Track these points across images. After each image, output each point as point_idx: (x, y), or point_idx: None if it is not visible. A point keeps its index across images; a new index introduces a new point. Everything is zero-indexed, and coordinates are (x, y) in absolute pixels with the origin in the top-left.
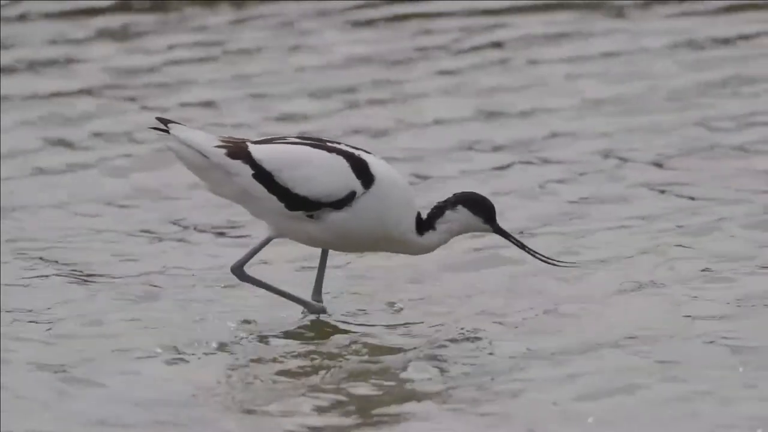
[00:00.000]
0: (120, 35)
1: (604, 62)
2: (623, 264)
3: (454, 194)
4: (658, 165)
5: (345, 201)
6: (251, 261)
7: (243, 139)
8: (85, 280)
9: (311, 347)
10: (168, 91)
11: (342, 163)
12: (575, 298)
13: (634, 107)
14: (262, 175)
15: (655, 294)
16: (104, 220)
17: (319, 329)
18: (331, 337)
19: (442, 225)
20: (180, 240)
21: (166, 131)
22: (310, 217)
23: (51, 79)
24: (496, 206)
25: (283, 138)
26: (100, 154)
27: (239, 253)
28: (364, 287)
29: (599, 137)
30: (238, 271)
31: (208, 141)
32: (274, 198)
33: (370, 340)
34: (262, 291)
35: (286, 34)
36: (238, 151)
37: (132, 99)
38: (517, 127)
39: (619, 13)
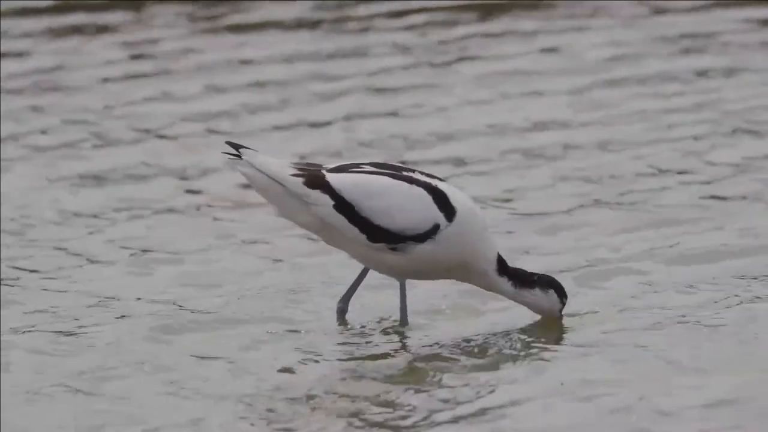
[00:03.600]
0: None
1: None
2: None
3: (549, 278)
4: None
5: (429, 234)
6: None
7: (317, 166)
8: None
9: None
10: None
11: (424, 195)
12: None
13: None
14: (343, 206)
15: None
16: None
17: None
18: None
19: (525, 292)
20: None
21: (238, 156)
22: (393, 249)
23: None
24: None
25: (357, 165)
26: None
27: None
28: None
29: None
30: (342, 305)
31: (283, 168)
32: (355, 229)
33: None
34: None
35: None
36: (315, 180)
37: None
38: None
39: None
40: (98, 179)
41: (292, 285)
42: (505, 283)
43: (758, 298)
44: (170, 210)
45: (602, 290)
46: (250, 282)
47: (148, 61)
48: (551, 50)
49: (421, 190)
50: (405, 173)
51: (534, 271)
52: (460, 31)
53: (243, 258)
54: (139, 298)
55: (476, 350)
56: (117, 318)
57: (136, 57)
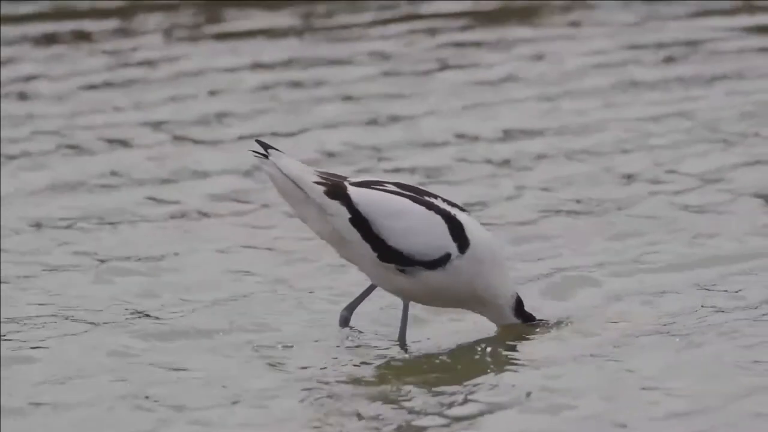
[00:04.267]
0: None
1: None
2: None
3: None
4: None
5: (439, 262)
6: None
7: (342, 177)
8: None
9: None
10: None
11: (440, 223)
12: None
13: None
14: (359, 221)
15: None
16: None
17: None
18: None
19: None
20: None
21: (265, 156)
22: (402, 271)
23: None
24: None
25: (381, 183)
26: None
27: None
28: None
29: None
30: (346, 313)
31: (307, 174)
32: (368, 246)
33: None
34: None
35: None
36: (336, 191)
37: None
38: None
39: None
40: (67, 188)
41: (263, 295)
42: (514, 320)
43: (721, 310)
44: (141, 219)
45: (569, 301)
46: (219, 292)
47: (127, 70)
48: (533, 59)
49: (438, 218)
50: (426, 198)
51: (544, 319)
52: (442, 39)
53: (212, 268)
54: (103, 309)
55: (443, 362)
56: (84, 329)
57: (115, 66)
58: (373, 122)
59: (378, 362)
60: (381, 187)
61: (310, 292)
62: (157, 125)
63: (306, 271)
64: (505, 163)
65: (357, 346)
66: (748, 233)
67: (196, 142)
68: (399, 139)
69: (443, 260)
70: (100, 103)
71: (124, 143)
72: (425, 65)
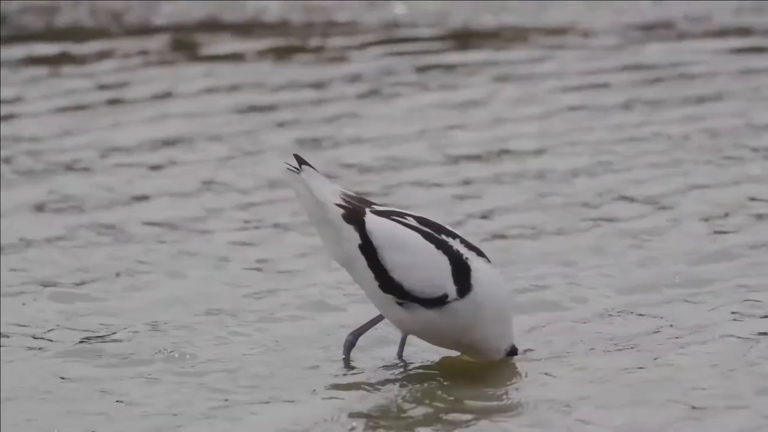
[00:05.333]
0: None
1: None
2: None
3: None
4: None
5: (436, 302)
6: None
7: (365, 201)
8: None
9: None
10: None
11: (444, 263)
12: None
13: None
14: (367, 248)
15: None
16: None
17: None
18: None
19: None
20: None
21: (297, 170)
22: (400, 304)
23: None
24: None
25: (403, 215)
26: None
27: None
28: None
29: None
30: (352, 338)
31: (331, 195)
32: (371, 274)
33: None
34: None
35: None
36: (354, 215)
37: None
38: None
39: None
40: (29, 208)
41: (206, 319)
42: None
43: (690, 328)
44: (98, 238)
45: (541, 315)
46: (165, 317)
47: (104, 92)
48: (512, 80)
49: (444, 258)
50: (443, 236)
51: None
52: (420, 61)
53: (168, 289)
54: (53, 329)
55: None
56: (29, 349)
57: (92, 89)
58: (340, 143)
59: (373, 380)
60: (400, 219)
61: (251, 311)
62: (123, 147)
63: (244, 294)
64: (452, 188)
65: (351, 369)
66: (692, 259)
67: (150, 167)
68: (364, 159)
69: (440, 300)
70: (54, 126)
71: (70, 168)
72: (396, 88)
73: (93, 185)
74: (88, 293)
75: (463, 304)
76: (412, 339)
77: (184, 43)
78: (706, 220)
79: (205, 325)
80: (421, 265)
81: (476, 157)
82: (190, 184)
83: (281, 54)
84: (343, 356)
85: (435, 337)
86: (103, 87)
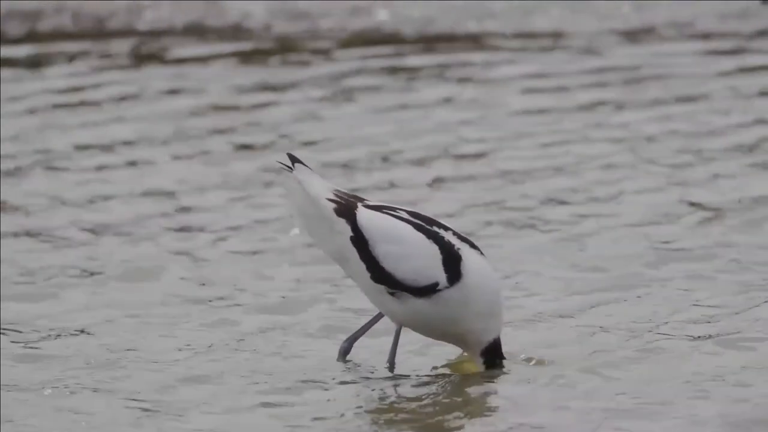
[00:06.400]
0: None
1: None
2: None
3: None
4: None
5: (425, 290)
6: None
7: (357, 197)
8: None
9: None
10: None
11: (434, 252)
12: None
13: None
14: (359, 241)
15: None
16: None
17: None
18: None
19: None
20: None
21: (290, 169)
22: (391, 294)
23: None
24: None
25: (395, 209)
26: None
27: None
28: None
29: None
30: (347, 344)
31: (323, 190)
32: (363, 266)
33: None
34: None
35: None
36: (345, 210)
37: None
38: None
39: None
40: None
41: (167, 320)
42: (479, 361)
43: (667, 335)
44: (64, 240)
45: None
46: (139, 316)
47: (73, 95)
48: (474, 82)
49: (434, 247)
50: (433, 228)
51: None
52: (386, 63)
53: (134, 293)
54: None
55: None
56: None
57: (65, 90)
58: (296, 145)
59: (363, 384)
60: (391, 212)
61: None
62: (87, 147)
63: (216, 296)
64: (435, 184)
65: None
66: (631, 263)
67: (117, 166)
68: (321, 161)
69: (430, 289)
70: (28, 127)
71: (54, 165)
72: (357, 92)
73: (62, 183)
74: (31, 296)
75: (452, 292)
76: (404, 343)
77: (159, 47)
78: (648, 224)
79: (177, 329)
80: (412, 254)
81: (417, 162)
82: (157, 182)
83: (252, 57)
84: (338, 361)
85: (427, 328)
86: (59, 91)
